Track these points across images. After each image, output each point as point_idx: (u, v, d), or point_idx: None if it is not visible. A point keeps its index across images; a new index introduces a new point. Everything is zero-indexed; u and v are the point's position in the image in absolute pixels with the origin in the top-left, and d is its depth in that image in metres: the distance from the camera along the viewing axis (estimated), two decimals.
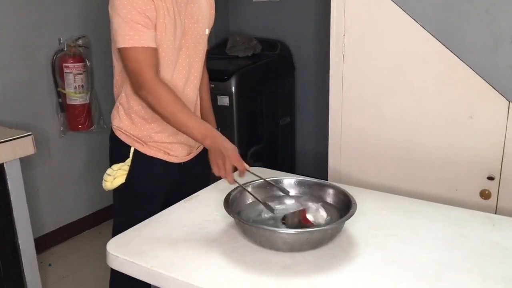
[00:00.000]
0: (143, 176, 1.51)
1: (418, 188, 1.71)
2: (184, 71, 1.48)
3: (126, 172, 1.48)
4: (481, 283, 1.05)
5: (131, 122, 1.50)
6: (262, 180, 1.35)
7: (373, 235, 1.24)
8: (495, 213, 1.57)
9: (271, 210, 1.22)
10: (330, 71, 1.80)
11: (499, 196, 1.58)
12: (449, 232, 1.27)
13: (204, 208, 1.38)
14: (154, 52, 1.35)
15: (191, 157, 1.58)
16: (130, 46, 1.30)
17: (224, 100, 2.67)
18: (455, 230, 1.27)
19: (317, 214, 1.26)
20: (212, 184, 1.57)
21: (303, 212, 1.20)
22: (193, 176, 1.62)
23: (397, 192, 1.67)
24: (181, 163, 1.56)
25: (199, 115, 1.64)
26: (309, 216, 1.21)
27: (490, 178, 1.58)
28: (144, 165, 1.51)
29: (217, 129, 1.73)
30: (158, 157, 1.51)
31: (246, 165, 1.28)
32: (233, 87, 2.69)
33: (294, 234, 1.12)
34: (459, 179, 1.64)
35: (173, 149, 1.52)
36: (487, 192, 1.59)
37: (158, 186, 1.54)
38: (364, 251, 1.16)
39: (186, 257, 1.14)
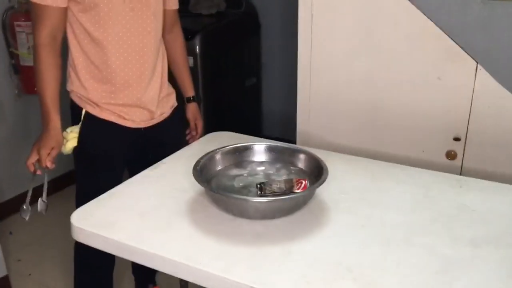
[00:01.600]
0: (93, 138, 1.49)
1: (386, 149, 1.72)
2: (137, 29, 1.43)
3: (77, 135, 1.47)
4: (449, 246, 1.07)
5: (81, 84, 1.46)
6: (231, 146, 1.34)
7: (343, 200, 1.24)
8: (460, 174, 1.60)
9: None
10: (298, 30, 1.75)
11: (464, 157, 1.61)
12: (416, 195, 1.28)
13: (172, 176, 1.36)
14: (55, 12, 1.34)
15: (154, 123, 1.56)
16: (33, 1, 1.33)
17: (188, 61, 2.59)
18: (423, 193, 1.29)
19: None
20: (179, 151, 1.54)
21: (298, 180, 1.19)
22: (158, 143, 1.59)
23: (366, 154, 1.69)
24: (140, 128, 1.53)
25: (166, 79, 1.59)
26: (280, 183, 1.20)
27: (456, 139, 1.61)
28: (95, 127, 1.48)
29: (194, 97, 1.76)
30: (112, 120, 1.48)
31: (48, 164, 1.35)
32: (197, 47, 2.62)
33: (266, 202, 1.12)
34: (426, 140, 1.66)
35: (130, 112, 1.49)
36: (453, 153, 1.62)
37: (112, 150, 1.51)
38: (334, 217, 1.17)
39: (155, 228, 1.12)
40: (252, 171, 1.31)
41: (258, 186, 1.19)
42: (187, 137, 1.79)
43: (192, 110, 1.77)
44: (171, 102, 1.63)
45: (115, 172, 1.54)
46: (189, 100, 1.76)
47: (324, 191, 1.25)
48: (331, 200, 1.24)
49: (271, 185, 1.19)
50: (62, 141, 1.43)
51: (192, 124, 1.78)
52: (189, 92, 1.76)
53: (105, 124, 1.49)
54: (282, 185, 1.19)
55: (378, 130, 1.73)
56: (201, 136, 1.74)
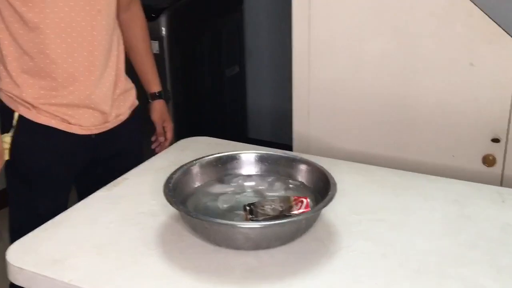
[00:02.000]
0: (29, 150, 1.47)
1: (407, 155, 1.73)
2: (83, 7, 1.41)
3: (8, 146, 1.45)
4: (493, 278, 1.07)
5: (12, 80, 1.43)
6: (211, 156, 1.34)
7: (356, 222, 1.25)
8: (501, 184, 1.61)
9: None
10: (292, 5, 1.75)
11: (505, 163, 1.62)
12: (449, 213, 1.29)
13: (136, 196, 1.36)
14: None
15: (108, 128, 1.55)
16: None
17: (152, 46, 2.59)
18: (457, 210, 1.30)
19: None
20: (145, 162, 1.54)
21: (297, 199, 1.20)
22: (115, 153, 1.59)
23: (382, 163, 1.68)
24: (91, 135, 1.52)
25: (122, 71, 1.58)
26: (275, 203, 1.20)
27: (495, 140, 1.61)
28: (31, 136, 1.46)
29: (160, 93, 1.76)
30: (52, 125, 1.45)
31: None
32: (163, 29, 2.60)
33: (259, 228, 1.11)
34: (457, 143, 1.66)
35: (76, 115, 1.47)
36: (491, 157, 1.63)
37: (55, 164, 1.50)
38: (346, 244, 1.17)
39: (116, 265, 1.11)
40: (239, 187, 1.31)
41: (248, 208, 1.19)
42: (153, 146, 1.79)
43: (159, 110, 1.76)
44: (130, 100, 1.62)
45: (59, 192, 1.53)
46: (154, 97, 1.75)
47: (331, 211, 1.25)
48: (341, 222, 1.24)
49: (263, 206, 1.19)
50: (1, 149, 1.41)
51: (159, 128, 1.78)
52: (154, 87, 1.75)
53: (44, 131, 1.46)
54: (278, 205, 1.19)
55: (397, 131, 1.73)
56: (171, 144, 1.73)
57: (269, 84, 3.31)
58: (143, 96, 1.75)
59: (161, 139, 1.78)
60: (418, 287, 1.04)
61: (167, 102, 1.83)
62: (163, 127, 1.78)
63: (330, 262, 1.11)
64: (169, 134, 1.79)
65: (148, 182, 1.40)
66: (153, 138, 1.79)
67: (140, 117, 1.67)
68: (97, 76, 1.47)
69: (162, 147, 1.76)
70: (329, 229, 1.21)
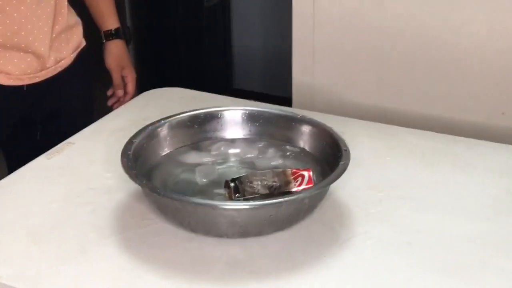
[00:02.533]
0: None
1: (440, 112, 1.73)
2: None
3: None
4: None
5: None
6: (184, 114, 1.35)
7: (374, 201, 1.26)
8: None
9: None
10: None
11: None
12: (496, 188, 1.29)
13: (85, 167, 1.37)
14: None
15: (46, 77, 1.55)
16: None
17: None
18: (506, 184, 1.30)
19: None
20: (97, 122, 1.54)
21: (296, 172, 1.20)
22: (55, 111, 1.60)
23: (407, 122, 1.69)
24: (22, 86, 1.52)
25: (64, 1, 1.56)
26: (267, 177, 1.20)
27: None
28: None
29: (118, 30, 1.76)
30: None
31: None
32: None
33: (248, 209, 1.11)
34: (509, 96, 1.66)
35: (1, 59, 1.48)
36: None
37: None
38: (362, 230, 1.17)
39: (59, 257, 1.11)
40: (220, 156, 1.32)
41: (232, 184, 1.19)
42: (110, 102, 1.80)
43: (115, 54, 1.77)
44: (75, 40, 1.62)
45: None
46: (109, 36, 1.75)
47: (342, 187, 1.26)
48: (356, 201, 1.25)
49: (251, 181, 1.19)
50: None
51: (116, 77, 1.78)
52: (109, 22, 1.75)
53: None
54: (271, 181, 1.19)
55: (428, 80, 1.73)
56: (133, 98, 1.74)
57: (260, 18, 3.29)
58: (95, 35, 1.74)
59: (119, 92, 1.78)
60: (452, 285, 1.05)
61: (127, 43, 1.82)
62: (122, 77, 1.78)
63: (340, 254, 1.11)
64: (130, 86, 1.79)
65: (101, 149, 1.40)
66: (108, 92, 1.80)
67: (89, 63, 1.67)
68: (28, 6, 1.45)
69: (121, 104, 1.77)
70: (340, 211, 1.22)
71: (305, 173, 1.19)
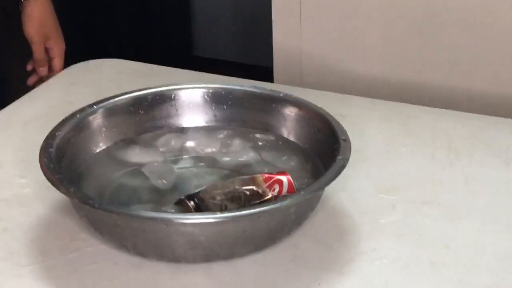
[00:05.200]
0: None
1: (471, 82, 1.74)
2: None
3: None
4: None
5: None
6: (127, 95, 1.36)
7: (385, 207, 1.26)
8: None
9: None
10: None
11: None
12: None
13: None
14: None
15: None
16: None
17: None
18: None
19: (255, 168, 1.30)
20: (7, 108, 1.55)
21: (270, 178, 1.19)
22: None
23: (427, 96, 1.70)
24: None
25: None
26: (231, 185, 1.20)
27: None
28: None
29: None
30: None
31: None
32: None
33: (216, 223, 1.11)
34: None
35: None
36: None
37: None
38: (369, 247, 1.18)
39: None
40: (173, 151, 1.34)
41: (192, 203, 1.18)
42: (30, 80, 1.80)
43: (38, 18, 1.77)
44: None
45: None
46: None
47: (342, 189, 1.27)
48: (360, 208, 1.26)
49: (213, 196, 1.19)
50: None
51: (37, 50, 1.78)
52: None
53: None
54: (239, 191, 1.19)
55: (454, 43, 1.75)
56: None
57: None
58: None
59: (42, 70, 1.79)
60: None
61: (53, 1, 1.81)
62: (46, 49, 1.78)
63: (340, 280, 1.11)
64: (57, 62, 1.80)
65: (11, 146, 1.41)
66: (28, 66, 1.80)
67: None
68: None
69: (39, 74, 1.79)
70: (338, 222, 1.23)
71: (283, 178, 1.18)
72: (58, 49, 1.78)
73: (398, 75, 1.79)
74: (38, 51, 1.77)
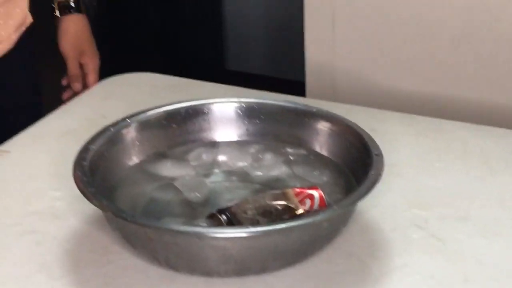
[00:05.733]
0: None
1: (496, 96, 1.75)
2: None
3: None
4: None
5: None
6: (160, 109, 1.36)
7: (418, 223, 1.25)
8: None
9: None
10: None
11: None
12: None
13: (25, 183, 1.38)
14: None
15: None
16: None
17: None
18: None
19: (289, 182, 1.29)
20: (41, 121, 1.55)
21: (301, 192, 1.19)
22: None
23: (461, 111, 1.69)
24: None
25: None
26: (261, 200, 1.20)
27: None
28: None
29: (79, 2, 1.76)
30: None
31: None
32: None
33: (248, 238, 1.10)
34: None
35: None
36: None
37: None
38: (401, 262, 1.17)
39: None
40: (205, 165, 1.34)
41: (224, 217, 1.18)
42: (65, 95, 1.80)
43: (74, 34, 1.78)
44: (16, 16, 1.63)
45: None
46: (65, 8, 1.76)
47: (375, 205, 1.27)
48: (392, 224, 1.25)
49: (245, 210, 1.18)
50: None
51: (72, 65, 1.79)
52: None
53: None
54: (270, 205, 1.19)
55: (490, 60, 1.73)
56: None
57: None
58: (43, 7, 1.74)
59: (77, 86, 1.79)
60: None
61: (89, 17, 1.82)
62: (81, 63, 1.79)
63: None
64: (92, 78, 1.80)
65: (45, 159, 1.41)
66: (63, 81, 1.80)
67: (34, 45, 1.68)
68: None
69: (75, 90, 1.78)
70: (371, 237, 1.23)
71: (314, 193, 1.18)
72: (92, 64, 1.79)
73: (431, 90, 1.79)
74: (72, 67, 1.78)
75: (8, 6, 1.58)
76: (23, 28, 1.63)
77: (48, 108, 1.63)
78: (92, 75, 1.79)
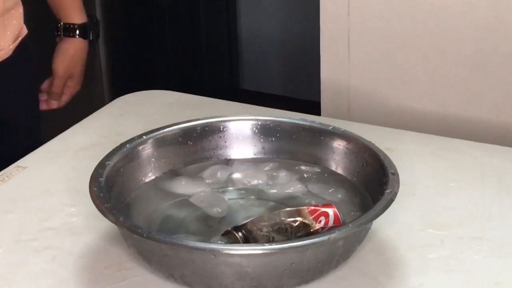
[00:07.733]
0: None
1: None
2: None
3: None
4: None
5: None
6: (175, 126, 1.36)
7: (434, 242, 1.25)
8: None
9: None
10: None
11: None
12: None
13: (40, 198, 1.38)
14: None
15: None
16: None
17: None
18: None
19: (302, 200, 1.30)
20: (57, 138, 1.55)
21: (315, 210, 1.18)
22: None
23: (477, 131, 1.69)
24: None
25: None
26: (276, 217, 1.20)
27: None
28: None
29: (84, 26, 1.77)
30: None
31: None
32: None
33: (264, 255, 1.11)
34: None
35: None
36: None
37: None
38: (417, 282, 1.16)
39: None
40: (219, 183, 1.34)
41: (240, 234, 1.17)
42: (41, 106, 1.80)
43: (70, 56, 1.78)
44: (15, 27, 1.63)
45: None
46: (70, 31, 1.77)
47: (390, 224, 1.27)
48: (408, 243, 1.25)
49: (260, 228, 1.18)
50: None
51: (58, 84, 1.79)
52: (73, 15, 1.76)
53: None
54: (285, 223, 1.18)
55: (499, 74, 1.74)
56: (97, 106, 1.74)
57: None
58: (36, 19, 1.76)
59: (54, 103, 1.81)
60: None
61: (92, 41, 1.83)
62: (64, 84, 1.80)
63: None
64: (65, 98, 1.82)
65: (61, 175, 1.41)
66: (43, 86, 1.81)
67: (32, 55, 1.69)
68: None
69: (49, 106, 1.80)
70: (386, 256, 1.22)
71: (329, 210, 1.17)
72: (73, 89, 1.81)
73: (446, 110, 1.78)
74: (58, 86, 1.78)
75: (5, 18, 1.59)
76: (19, 39, 1.63)
77: (45, 115, 1.63)
78: (66, 97, 1.80)
